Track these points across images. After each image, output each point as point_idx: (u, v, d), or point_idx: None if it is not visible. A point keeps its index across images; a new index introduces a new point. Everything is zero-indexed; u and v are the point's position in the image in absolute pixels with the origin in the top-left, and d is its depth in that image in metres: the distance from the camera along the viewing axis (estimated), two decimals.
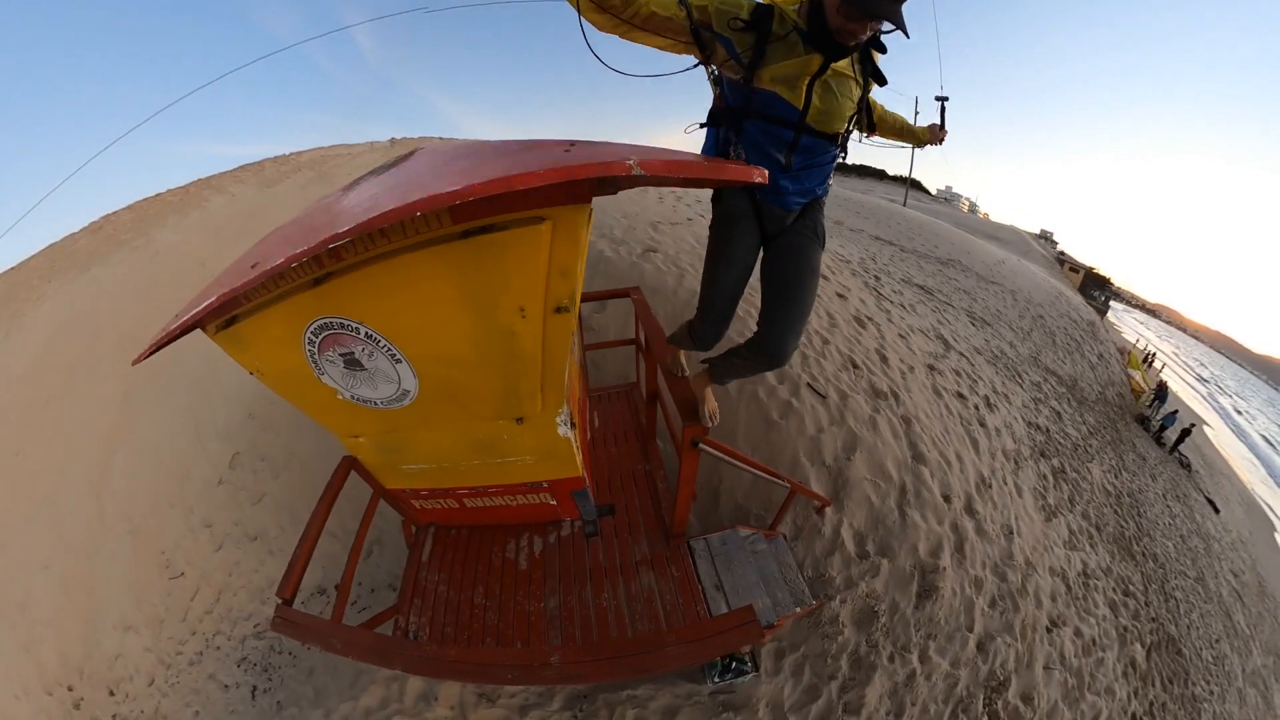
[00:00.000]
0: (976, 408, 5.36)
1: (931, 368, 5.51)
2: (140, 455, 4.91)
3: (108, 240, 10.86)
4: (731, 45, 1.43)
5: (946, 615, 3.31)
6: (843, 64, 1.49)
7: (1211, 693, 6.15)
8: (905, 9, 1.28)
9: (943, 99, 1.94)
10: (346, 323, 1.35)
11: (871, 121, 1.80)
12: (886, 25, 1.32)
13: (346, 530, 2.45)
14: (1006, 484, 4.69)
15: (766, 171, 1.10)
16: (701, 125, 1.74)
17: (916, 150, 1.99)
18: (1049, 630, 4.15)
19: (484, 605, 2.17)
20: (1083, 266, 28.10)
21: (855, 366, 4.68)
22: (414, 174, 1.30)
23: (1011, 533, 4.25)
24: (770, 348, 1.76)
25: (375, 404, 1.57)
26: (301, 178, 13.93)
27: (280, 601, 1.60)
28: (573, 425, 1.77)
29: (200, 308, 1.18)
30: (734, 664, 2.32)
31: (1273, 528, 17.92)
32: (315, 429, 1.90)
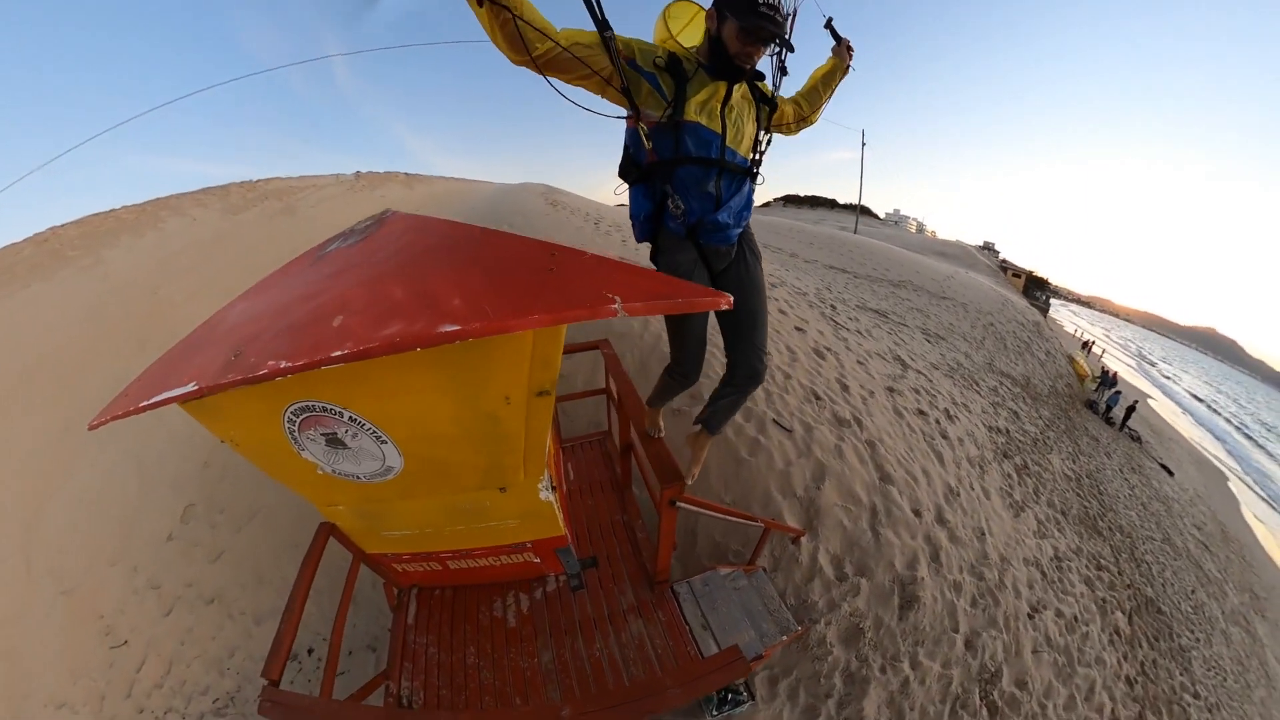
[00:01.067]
0: (938, 421, 5.39)
1: (891, 389, 5.55)
2: (78, 504, 3.96)
3: (53, 255, 9.14)
4: (656, 80, 1.46)
5: (931, 621, 3.33)
6: (738, 95, 1.57)
7: (1198, 640, 6.21)
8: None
9: (828, 21, 1.85)
10: (330, 407, 1.20)
11: (799, 114, 1.81)
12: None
13: (315, 588, 1.99)
14: (974, 489, 4.70)
15: (731, 297, 1.08)
16: (631, 183, 1.71)
17: (843, 81, 1.87)
18: (1031, 616, 4.13)
19: (477, 665, 1.99)
20: (1024, 271, 28.32)
21: (818, 398, 4.70)
22: (396, 271, 1.12)
23: (984, 534, 4.26)
24: (749, 372, 1.85)
25: (358, 478, 1.43)
26: (268, 208, 12.41)
27: (267, 683, 1.37)
28: (553, 489, 1.70)
29: (176, 393, 1.01)
30: (730, 695, 2.27)
31: (1224, 477, 17.29)
32: None
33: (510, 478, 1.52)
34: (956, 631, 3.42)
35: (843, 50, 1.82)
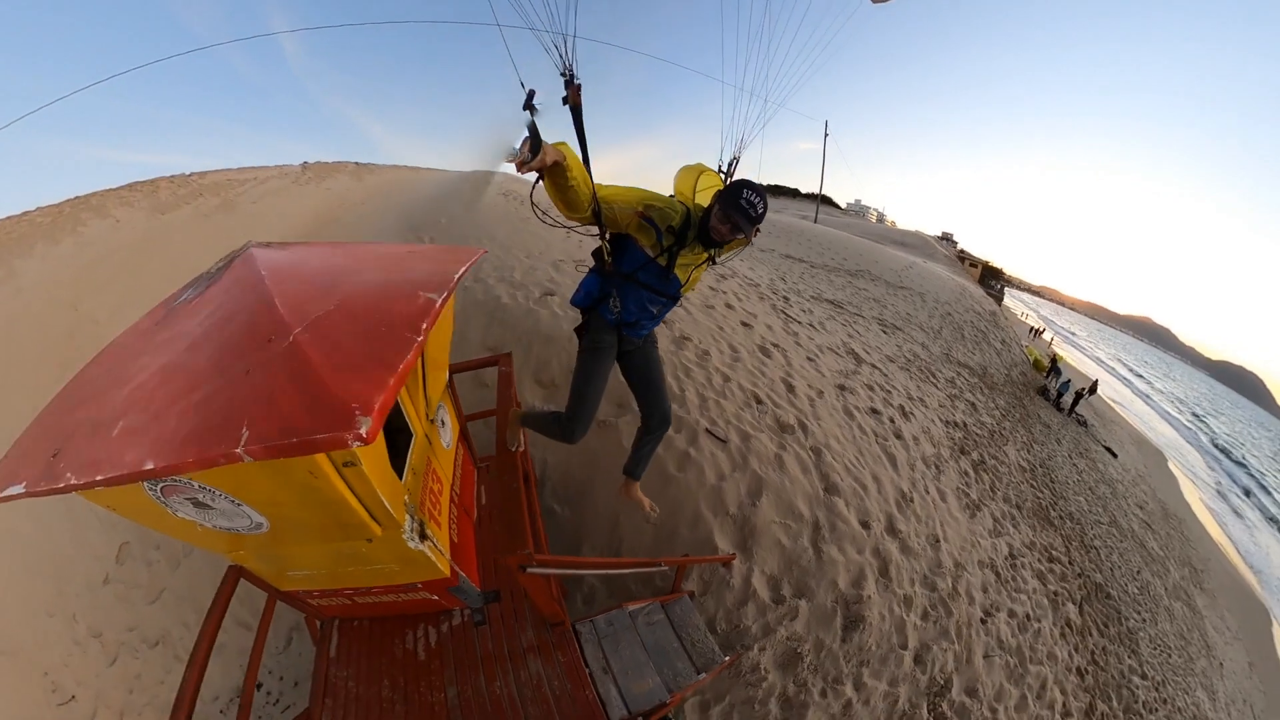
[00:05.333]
0: (892, 420, 5.30)
1: (842, 387, 5.43)
2: (6, 555, 3.83)
3: None
4: (661, 237, 1.92)
5: (877, 640, 3.18)
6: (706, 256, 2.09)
7: (1144, 620, 6.46)
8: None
9: (729, 169, 2.32)
10: (178, 480, 1.31)
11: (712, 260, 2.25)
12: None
13: (243, 623, 2.32)
14: (929, 493, 4.63)
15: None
16: (599, 275, 2.14)
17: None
18: (984, 621, 4.09)
19: (391, 699, 2.08)
20: (980, 261, 29.41)
21: (759, 402, 4.49)
22: (178, 370, 1.25)
23: (938, 540, 4.19)
24: (660, 420, 2.35)
25: (237, 530, 1.51)
26: (203, 205, 11.48)
27: None
28: (423, 537, 1.68)
29: (9, 492, 1.13)
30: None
31: (1164, 458, 18.53)
32: None
33: (366, 531, 1.54)
34: (905, 648, 3.30)
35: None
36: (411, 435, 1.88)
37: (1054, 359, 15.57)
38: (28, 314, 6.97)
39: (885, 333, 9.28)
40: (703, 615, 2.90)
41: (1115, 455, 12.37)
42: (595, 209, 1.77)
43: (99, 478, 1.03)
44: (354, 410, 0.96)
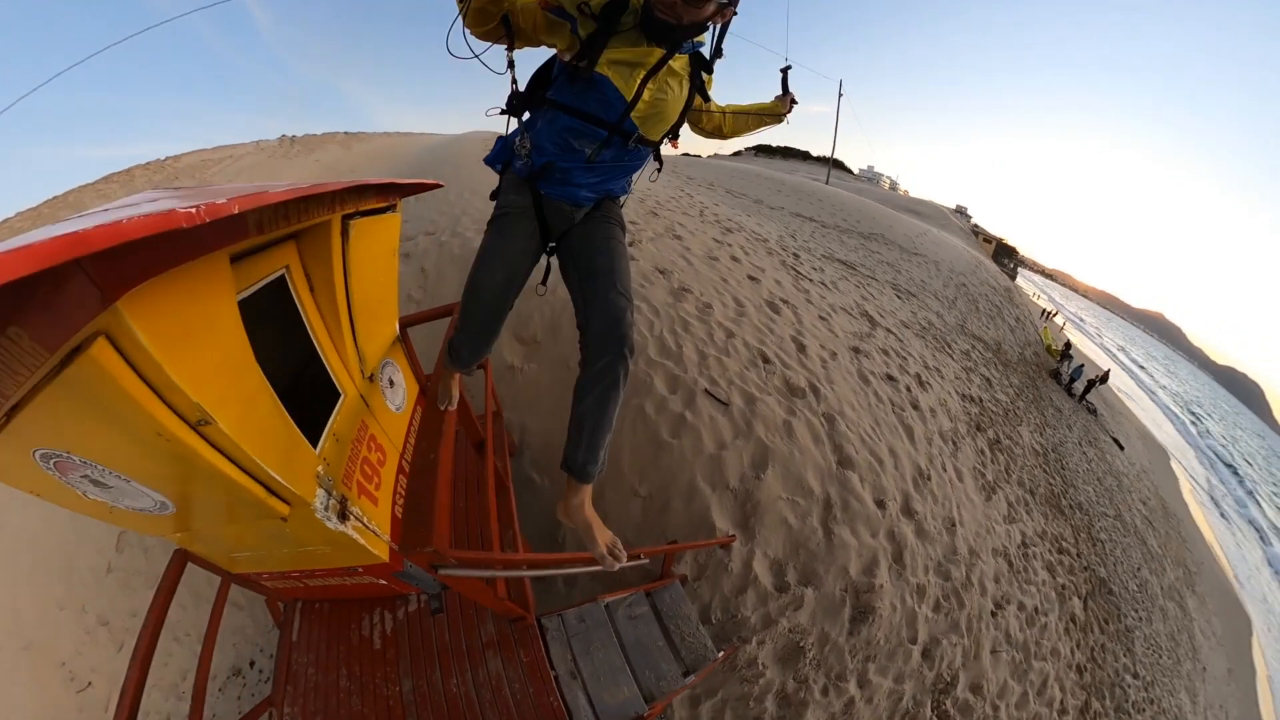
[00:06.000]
0: (909, 389, 5.10)
1: (857, 350, 5.19)
2: (17, 554, 4.28)
3: None
4: (576, 26, 1.36)
5: (886, 634, 3.02)
6: (677, 67, 1.46)
7: (1140, 619, 6.61)
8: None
9: (785, 69, 1.86)
10: (57, 452, 1.17)
11: (718, 126, 1.76)
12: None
13: (250, 597, 2.37)
14: (946, 471, 4.47)
15: None
16: (502, 111, 1.60)
17: (778, 126, 1.91)
18: (994, 614, 4.01)
19: (348, 689, 2.06)
20: (994, 237, 29.65)
21: (766, 361, 4.21)
22: None
23: (954, 524, 4.04)
24: (601, 336, 1.43)
25: (148, 511, 1.40)
26: (180, 188, 12.81)
27: None
28: (344, 516, 1.50)
29: None
30: None
31: (1167, 455, 19.45)
32: None
33: (269, 509, 1.39)
34: (914, 642, 3.14)
35: (786, 102, 1.84)
36: (340, 395, 1.72)
37: (1067, 344, 15.87)
38: None
39: (900, 298, 9.10)
40: (696, 603, 2.68)
41: (1122, 448, 12.79)
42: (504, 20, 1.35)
43: None
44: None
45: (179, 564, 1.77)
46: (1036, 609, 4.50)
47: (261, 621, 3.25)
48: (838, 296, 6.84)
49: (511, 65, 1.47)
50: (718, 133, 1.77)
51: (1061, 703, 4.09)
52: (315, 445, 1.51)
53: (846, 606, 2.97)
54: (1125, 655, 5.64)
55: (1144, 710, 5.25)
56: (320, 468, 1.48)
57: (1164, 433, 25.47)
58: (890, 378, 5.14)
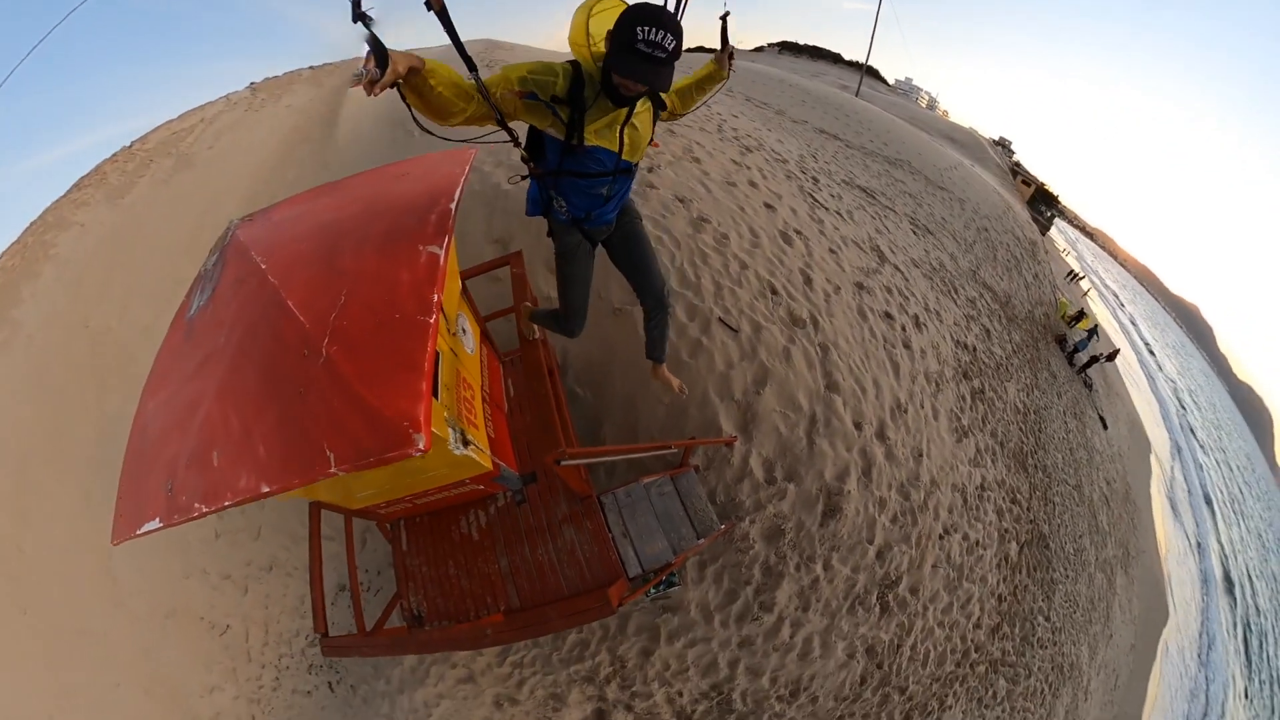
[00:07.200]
0: (904, 328, 6.05)
1: (860, 286, 6.07)
2: (135, 548, 5.46)
3: None
4: (556, 111, 1.95)
5: (849, 531, 4.12)
6: (640, 107, 2.10)
7: (1066, 577, 8.34)
8: None
9: (724, 15, 2.26)
10: None
11: (672, 109, 2.37)
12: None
13: (336, 530, 3.38)
14: (924, 408, 5.51)
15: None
16: (524, 178, 2.38)
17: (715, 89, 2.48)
18: (941, 537, 5.21)
19: (456, 575, 3.04)
20: (1035, 180, 30.32)
21: (774, 293, 5.14)
22: (225, 392, 1.74)
23: (921, 455, 5.12)
24: (655, 302, 2.78)
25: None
26: (159, 170, 13.16)
27: (320, 635, 2.57)
28: (466, 443, 2.20)
29: (150, 527, 1.63)
30: (665, 578, 3.11)
31: (1149, 448, 22.11)
32: None
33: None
34: (871, 543, 4.32)
35: (724, 58, 2.31)
36: (439, 355, 2.27)
37: (1080, 312, 17.32)
38: (47, 354, 8.66)
39: (915, 234, 9.96)
40: (704, 487, 3.74)
41: (1106, 427, 14.56)
42: (489, 104, 1.82)
43: (227, 503, 1.52)
44: (408, 430, 1.45)
45: (316, 513, 2.75)
46: (978, 542, 5.80)
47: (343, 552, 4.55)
48: (851, 228, 7.61)
49: (511, 135, 2.11)
50: (672, 117, 2.41)
51: (978, 620, 5.54)
52: (436, 397, 2.06)
53: (819, 503, 4.08)
54: (1043, 600, 7.24)
55: (1046, 647, 7.01)
56: (445, 413, 2.11)
57: (1155, 430, 28.21)
58: (888, 315, 6.09)
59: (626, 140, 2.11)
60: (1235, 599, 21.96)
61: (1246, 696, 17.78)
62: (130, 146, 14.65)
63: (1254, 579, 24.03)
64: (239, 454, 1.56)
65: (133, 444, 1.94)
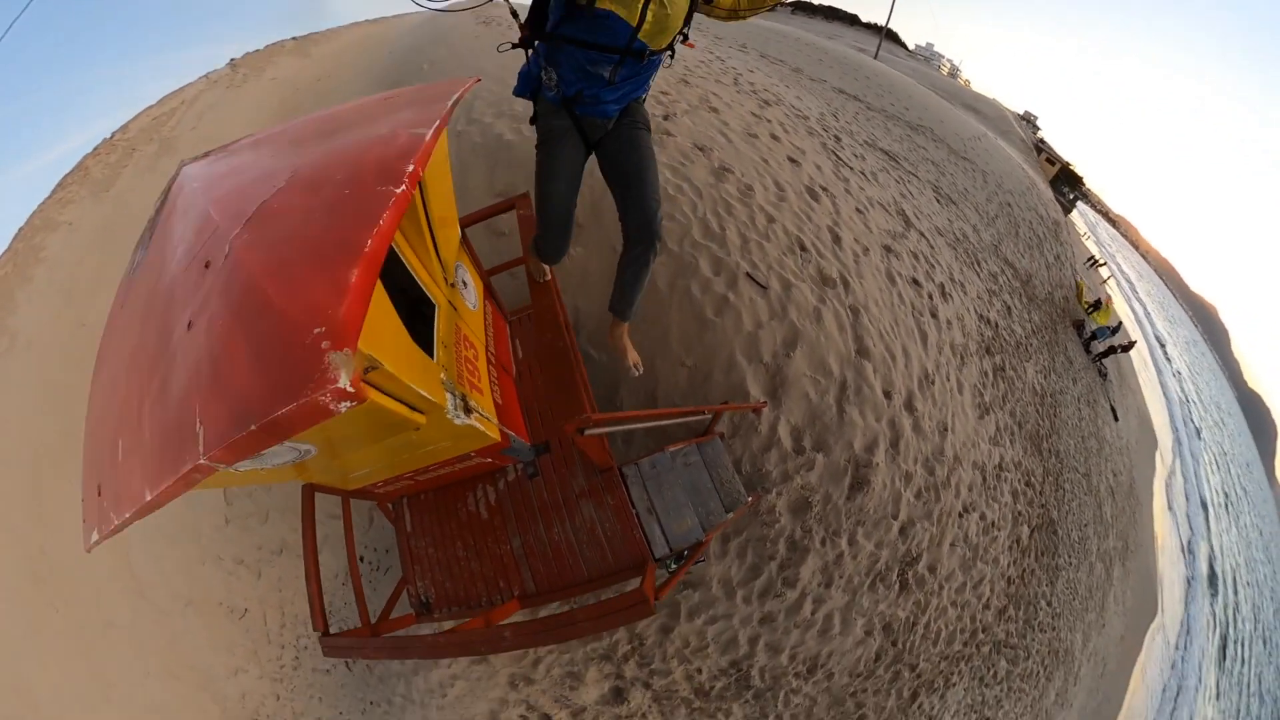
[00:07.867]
0: (930, 296, 5.86)
1: (888, 249, 5.86)
2: (150, 539, 5.68)
3: None
4: None
5: (876, 506, 4.02)
6: None
7: (1070, 564, 8.39)
8: None
9: None
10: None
11: (736, 6, 1.99)
12: None
13: (333, 515, 3.12)
14: (950, 380, 5.34)
15: None
16: (514, 45, 2.05)
17: None
18: (960, 516, 5.10)
19: (465, 556, 2.78)
20: (1060, 159, 29.73)
21: (803, 249, 4.89)
22: (150, 369, 1.23)
23: (946, 429, 4.98)
24: (639, 228, 2.13)
25: (290, 462, 1.67)
26: (142, 158, 13.05)
27: (320, 634, 2.25)
28: (468, 410, 1.91)
29: (107, 531, 1.26)
30: (685, 553, 2.76)
31: (1156, 444, 22.28)
32: None
33: (410, 423, 1.69)
34: (895, 519, 4.19)
35: None
36: (435, 306, 2.03)
37: (1098, 301, 17.13)
38: (49, 358, 8.68)
39: (939, 202, 9.72)
40: (730, 456, 3.46)
41: (1117, 419, 14.54)
42: None
43: (123, 518, 1.15)
44: (319, 348, 0.83)
45: (309, 496, 2.46)
46: (994, 523, 5.75)
47: (357, 526, 4.13)
48: (876, 190, 7.33)
49: (514, 14, 1.84)
50: (733, 15, 2.03)
51: (988, 601, 5.53)
52: (432, 355, 1.81)
53: (848, 475, 3.93)
54: (1047, 585, 7.29)
55: (1045, 631, 7.08)
56: (441, 375, 1.81)
57: (1161, 427, 28.49)
58: (915, 282, 5.86)
59: (650, 16, 1.74)
60: (1217, 602, 22.61)
61: (1218, 697, 18.41)
62: (111, 138, 14.47)
63: (1239, 585, 24.75)
64: (136, 445, 1.15)
65: (86, 437, 1.62)
